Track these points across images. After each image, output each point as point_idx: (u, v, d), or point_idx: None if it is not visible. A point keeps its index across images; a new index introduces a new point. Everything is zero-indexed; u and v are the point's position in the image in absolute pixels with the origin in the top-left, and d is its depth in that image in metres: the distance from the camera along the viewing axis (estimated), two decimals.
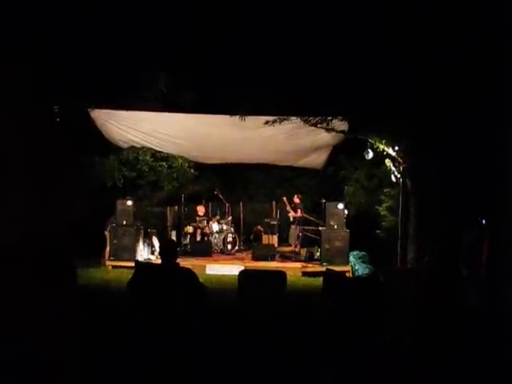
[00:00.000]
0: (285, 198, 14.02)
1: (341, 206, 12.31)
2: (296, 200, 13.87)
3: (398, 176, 11.27)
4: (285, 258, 13.30)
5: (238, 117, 10.54)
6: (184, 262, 9.87)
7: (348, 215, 12.50)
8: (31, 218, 1.56)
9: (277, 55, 8.88)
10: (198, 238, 13.98)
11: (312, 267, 12.00)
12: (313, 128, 11.14)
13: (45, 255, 1.60)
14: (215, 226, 14.14)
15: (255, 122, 11.02)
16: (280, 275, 6.91)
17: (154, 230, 13.36)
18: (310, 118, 10.72)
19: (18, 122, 1.55)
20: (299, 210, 13.60)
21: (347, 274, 11.27)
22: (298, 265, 12.25)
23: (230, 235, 14.03)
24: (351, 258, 12.24)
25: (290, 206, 13.89)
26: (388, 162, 11.48)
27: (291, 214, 13.80)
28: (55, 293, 1.61)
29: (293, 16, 8.25)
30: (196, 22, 9.10)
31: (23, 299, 1.55)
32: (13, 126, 1.54)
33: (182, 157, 14.03)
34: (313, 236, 13.56)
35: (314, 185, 15.74)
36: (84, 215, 1.71)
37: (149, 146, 13.35)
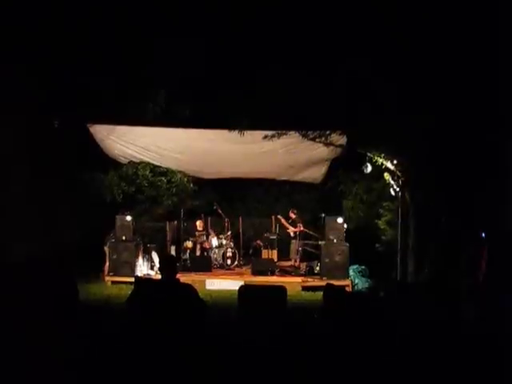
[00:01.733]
0: (280, 217, 13.98)
1: (340, 220, 12.29)
2: (292, 215, 13.83)
3: (397, 190, 11.28)
4: (284, 272, 13.26)
5: (236, 132, 10.57)
6: (184, 277, 9.87)
7: (347, 229, 12.48)
8: (34, 238, 1.59)
9: (275, 70, 8.93)
10: (198, 253, 13.95)
11: (312, 281, 11.97)
12: (311, 142, 11.17)
13: (47, 272, 1.62)
14: (215, 241, 14.11)
15: (254, 136, 11.05)
16: (280, 290, 6.88)
17: (154, 245, 13.34)
18: (309, 132, 10.76)
19: (24, 142, 1.58)
20: (299, 225, 13.57)
21: (347, 288, 11.24)
22: (298, 279, 12.22)
23: (229, 250, 14.00)
24: (351, 272, 12.21)
25: (288, 222, 13.84)
26: (387, 175, 11.50)
27: (291, 230, 13.74)
28: (56, 307, 1.63)
29: (291, 30, 8.31)
30: (194, 37, 9.17)
31: (27, 312, 1.56)
32: (19, 147, 1.57)
33: (181, 172, 14.04)
34: (312, 250, 13.53)
35: (312, 199, 15.74)
36: (75, 239, 1.74)
37: (148, 160, 13.37)
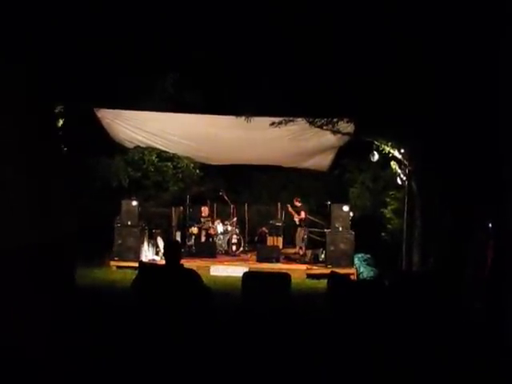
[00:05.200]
0: (289, 206, 13.88)
1: (346, 208, 12.27)
2: (296, 203, 13.77)
3: (404, 178, 11.24)
4: (289, 259, 13.28)
5: (243, 118, 10.53)
6: (188, 263, 9.88)
7: (353, 217, 12.45)
8: (31, 227, 1.57)
9: (284, 56, 8.87)
10: (203, 239, 13.98)
11: (317, 269, 11.97)
12: (318, 130, 11.11)
13: (43, 261, 1.61)
14: (220, 227, 14.13)
15: (261, 123, 11.00)
16: (284, 277, 6.88)
17: (159, 231, 13.36)
18: (316, 119, 10.70)
19: (20, 131, 1.56)
20: (302, 212, 13.52)
21: (352, 277, 11.25)
22: (303, 267, 12.22)
23: (234, 236, 14.01)
24: (356, 261, 12.21)
25: (294, 210, 13.76)
26: (394, 164, 11.45)
27: (297, 218, 13.68)
28: (53, 294, 1.62)
29: (300, 18, 8.24)
30: (203, 22, 9.11)
31: (22, 300, 1.55)
32: (14, 136, 1.55)
33: (187, 157, 14.03)
34: (318, 238, 13.52)
35: (319, 187, 15.70)
36: (73, 230, 1.73)
37: (154, 145, 13.36)
